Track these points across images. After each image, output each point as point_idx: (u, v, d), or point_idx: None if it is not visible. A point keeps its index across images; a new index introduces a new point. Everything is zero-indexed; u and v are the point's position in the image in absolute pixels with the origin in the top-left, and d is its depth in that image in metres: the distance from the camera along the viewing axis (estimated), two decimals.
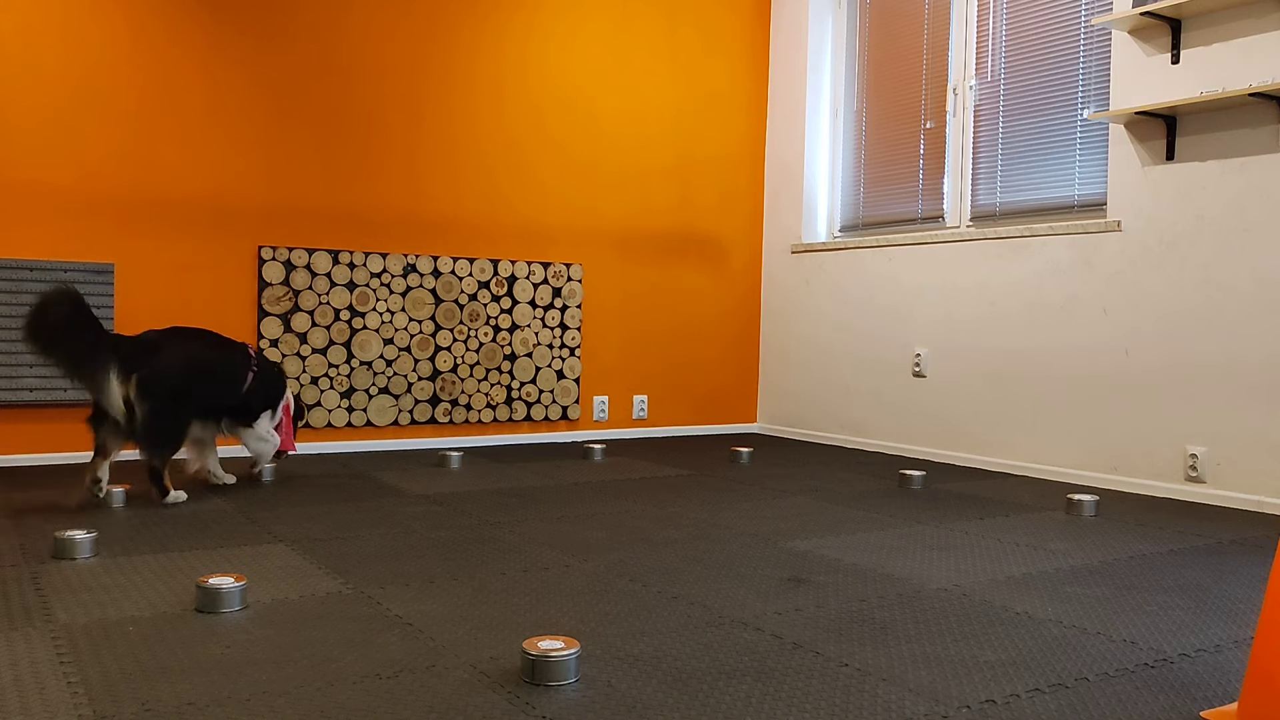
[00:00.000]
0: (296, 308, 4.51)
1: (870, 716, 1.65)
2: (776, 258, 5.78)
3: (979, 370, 4.62)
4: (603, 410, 5.34)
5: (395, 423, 4.76)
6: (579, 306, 5.22)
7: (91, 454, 3.32)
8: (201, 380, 3.43)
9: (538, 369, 5.12)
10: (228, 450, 4.28)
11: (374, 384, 4.70)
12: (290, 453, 4.02)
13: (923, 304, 4.89)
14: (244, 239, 4.41)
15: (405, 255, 4.75)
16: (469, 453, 4.68)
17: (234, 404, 3.57)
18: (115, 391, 3.18)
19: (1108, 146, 4.13)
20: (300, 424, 4.02)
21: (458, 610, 2.18)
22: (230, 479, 3.72)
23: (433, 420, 4.85)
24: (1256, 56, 3.62)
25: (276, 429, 3.74)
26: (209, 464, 3.68)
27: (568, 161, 5.19)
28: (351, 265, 4.63)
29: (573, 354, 5.21)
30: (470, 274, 4.92)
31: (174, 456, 3.39)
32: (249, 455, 3.82)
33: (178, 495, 3.36)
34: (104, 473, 3.30)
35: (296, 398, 3.95)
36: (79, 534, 2.58)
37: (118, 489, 3.28)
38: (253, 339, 4.43)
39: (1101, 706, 1.71)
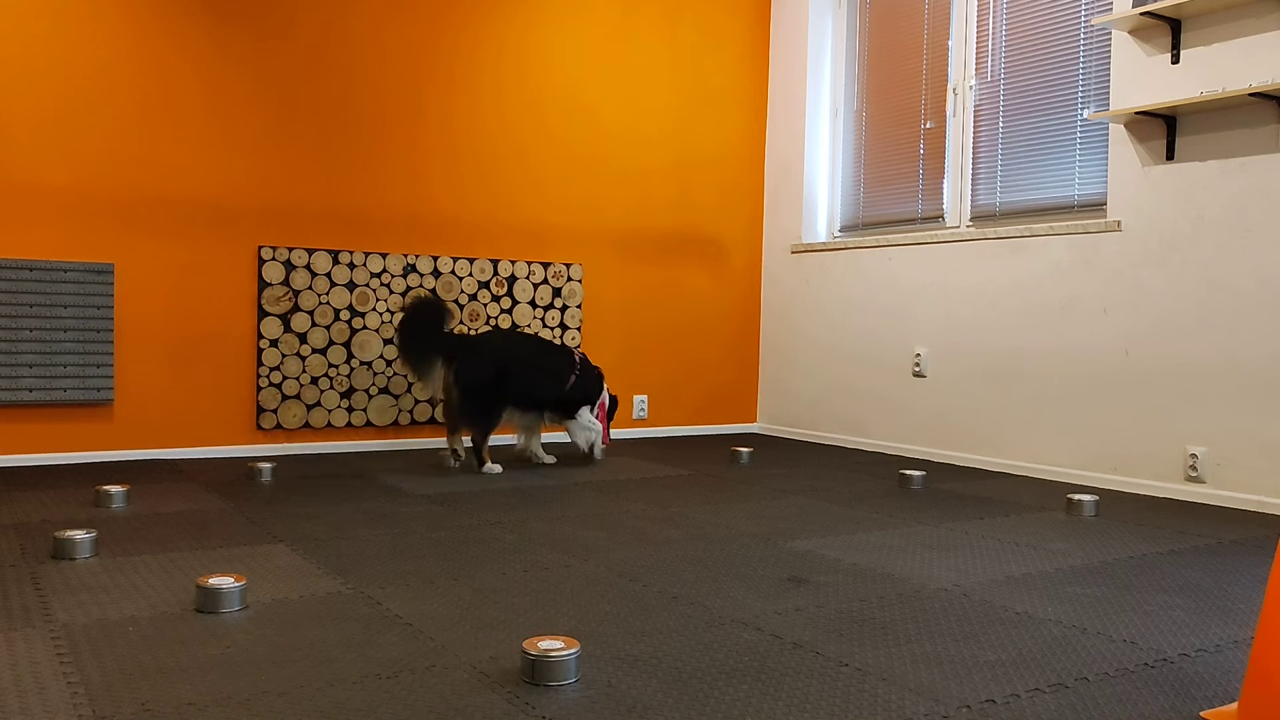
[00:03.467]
0: (296, 308, 4.51)
1: (870, 716, 1.65)
2: (776, 257, 5.78)
3: (979, 370, 4.62)
4: None
5: (395, 423, 4.76)
6: (579, 306, 5.22)
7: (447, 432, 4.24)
8: (516, 374, 4.08)
9: None
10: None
11: (374, 384, 4.70)
12: (605, 444, 4.51)
13: (923, 304, 4.89)
14: (244, 239, 4.41)
15: (405, 255, 4.75)
16: (469, 453, 4.68)
17: (557, 399, 4.20)
18: (437, 378, 4.04)
19: (1108, 146, 4.13)
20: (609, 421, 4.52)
21: (458, 610, 2.18)
22: (550, 459, 4.39)
23: (433, 420, 4.85)
24: (1256, 56, 3.62)
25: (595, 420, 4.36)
26: (532, 446, 4.39)
27: (568, 161, 5.19)
28: (351, 265, 4.63)
29: None
30: (470, 274, 4.92)
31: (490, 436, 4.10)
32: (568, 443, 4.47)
33: (493, 467, 4.08)
34: (458, 444, 4.15)
35: (612, 397, 4.48)
36: (79, 534, 2.58)
37: (118, 489, 3.28)
38: (252, 339, 4.43)
39: (1101, 706, 1.71)
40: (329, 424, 4.59)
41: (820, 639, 2.04)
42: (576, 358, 4.25)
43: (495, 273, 4.99)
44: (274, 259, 4.45)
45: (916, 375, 4.92)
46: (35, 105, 4.01)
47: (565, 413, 4.28)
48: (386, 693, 1.70)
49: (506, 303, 5.02)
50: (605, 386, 4.41)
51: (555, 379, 4.19)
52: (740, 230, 5.79)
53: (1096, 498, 3.49)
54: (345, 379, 4.63)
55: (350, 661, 1.85)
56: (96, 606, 2.16)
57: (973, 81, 4.80)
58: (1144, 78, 3.97)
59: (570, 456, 4.58)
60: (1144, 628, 2.17)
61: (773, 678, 1.81)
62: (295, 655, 1.88)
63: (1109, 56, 4.17)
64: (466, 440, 4.52)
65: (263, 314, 4.44)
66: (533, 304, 5.08)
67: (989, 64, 4.72)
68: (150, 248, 4.24)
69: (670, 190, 5.52)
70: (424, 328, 4.05)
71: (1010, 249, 4.49)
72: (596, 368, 4.37)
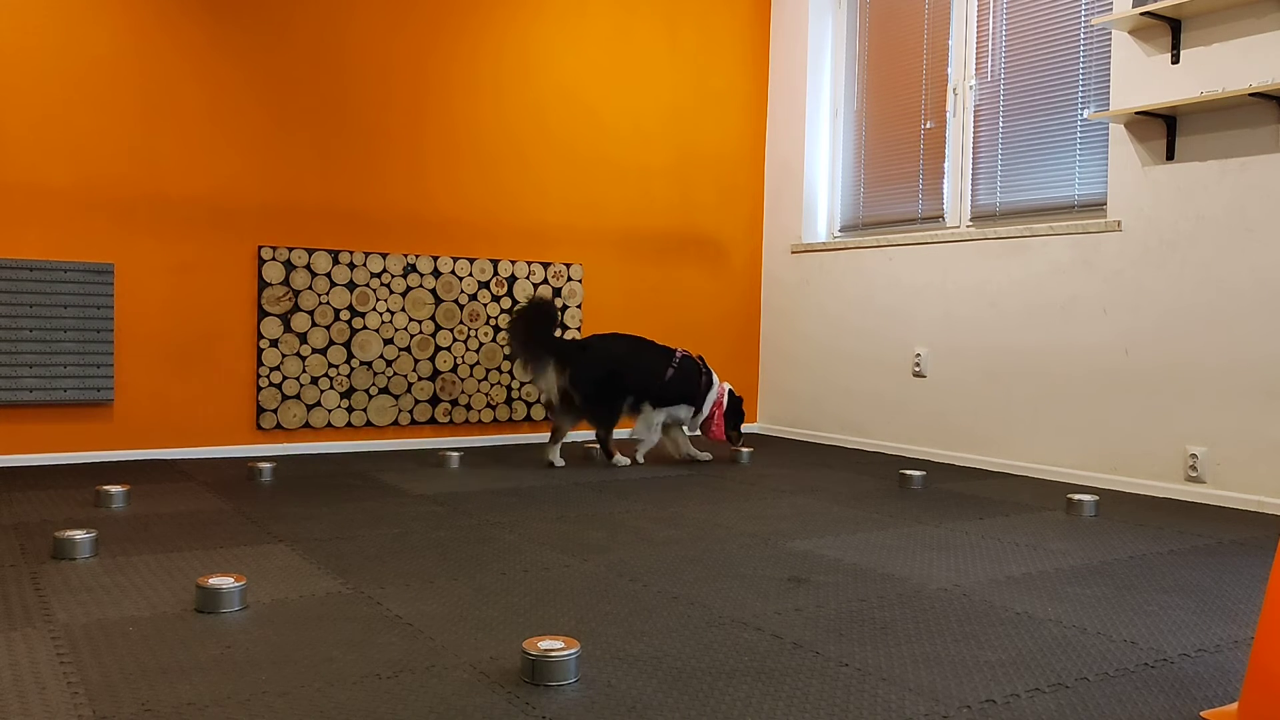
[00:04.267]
0: (296, 308, 4.51)
1: (870, 716, 1.65)
2: (776, 257, 5.78)
3: (979, 370, 4.62)
4: None
5: (395, 423, 4.76)
6: (579, 306, 5.22)
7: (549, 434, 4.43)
8: (625, 372, 4.31)
9: None
10: (622, 433, 4.28)
11: (374, 384, 4.70)
12: (719, 441, 4.64)
13: (923, 304, 4.89)
14: (244, 239, 4.42)
15: (405, 255, 4.75)
16: (469, 453, 4.68)
17: (655, 393, 4.38)
18: (553, 381, 4.25)
19: (1108, 146, 4.13)
20: (735, 421, 4.58)
21: (458, 610, 2.18)
22: (706, 456, 4.58)
23: (433, 420, 4.85)
24: (1256, 56, 3.62)
25: (707, 421, 4.49)
26: (682, 445, 4.58)
27: (568, 161, 5.19)
28: (351, 265, 4.63)
29: None
30: (470, 274, 4.92)
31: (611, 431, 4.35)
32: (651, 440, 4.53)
33: (621, 459, 4.40)
34: (554, 455, 4.33)
35: (737, 399, 4.56)
36: (79, 534, 2.58)
37: (118, 489, 3.28)
38: (252, 339, 4.43)
39: (1101, 706, 1.71)
40: (329, 424, 4.59)
41: (820, 639, 2.04)
42: (676, 357, 4.42)
43: (495, 273, 4.99)
44: (274, 259, 4.45)
45: (917, 375, 4.92)
46: (35, 104, 4.01)
47: (655, 404, 4.42)
48: (386, 693, 1.70)
49: (507, 303, 5.02)
50: (720, 384, 4.51)
51: (651, 375, 4.37)
52: (740, 230, 5.79)
53: (1096, 498, 3.49)
54: (345, 379, 4.63)
55: (350, 661, 1.85)
56: (96, 606, 2.16)
57: (973, 81, 4.80)
58: (1144, 78, 3.97)
59: (714, 458, 4.65)
60: (1144, 628, 2.17)
61: (773, 678, 1.81)
62: (295, 655, 1.88)
63: (1109, 56, 4.17)
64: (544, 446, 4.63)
65: (263, 314, 4.44)
66: None
67: (989, 64, 4.72)
68: (150, 247, 4.24)
69: (670, 190, 5.52)
70: (538, 329, 4.28)
71: (1010, 249, 4.49)
72: (697, 368, 4.46)
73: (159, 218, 4.25)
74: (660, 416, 4.44)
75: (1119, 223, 4.06)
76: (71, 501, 3.32)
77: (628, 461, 4.41)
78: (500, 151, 5.01)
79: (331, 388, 4.60)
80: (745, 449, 4.69)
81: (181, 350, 4.30)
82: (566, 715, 1.62)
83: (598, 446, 4.51)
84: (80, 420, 4.12)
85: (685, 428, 4.58)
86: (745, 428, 5.85)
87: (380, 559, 2.63)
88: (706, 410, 4.47)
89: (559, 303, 4.70)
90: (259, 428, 4.44)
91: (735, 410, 4.57)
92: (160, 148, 4.25)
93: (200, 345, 4.34)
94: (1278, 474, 3.57)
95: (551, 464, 4.33)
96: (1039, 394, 4.35)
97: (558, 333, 4.67)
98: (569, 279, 5.19)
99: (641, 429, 4.47)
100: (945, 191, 4.95)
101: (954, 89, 4.89)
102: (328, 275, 4.57)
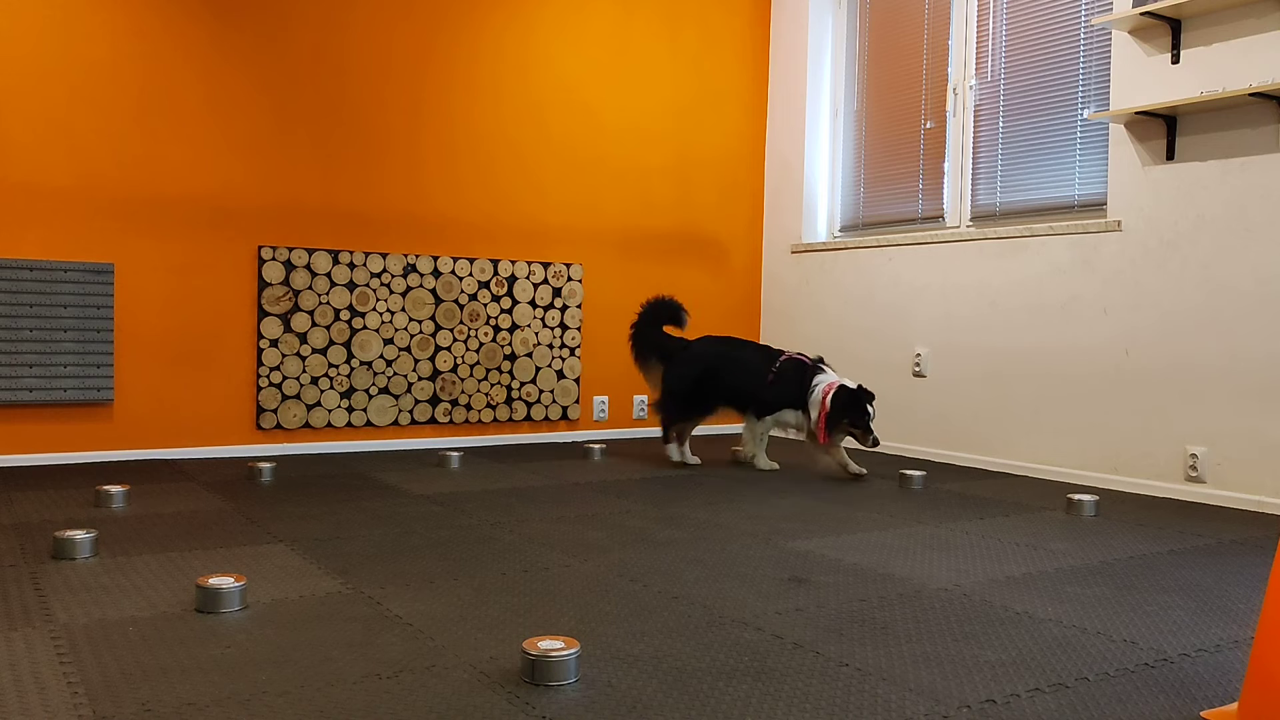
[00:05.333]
0: (296, 308, 4.51)
1: (870, 716, 1.65)
2: (777, 257, 5.78)
3: (979, 370, 4.62)
4: (603, 410, 5.34)
5: (395, 423, 4.76)
6: (579, 306, 5.22)
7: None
8: (719, 375, 4.30)
9: (538, 369, 5.12)
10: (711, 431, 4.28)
11: (374, 384, 4.70)
12: (823, 444, 4.23)
13: (923, 304, 4.89)
14: (244, 239, 4.41)
15: (405, 255, 4.75)
16: (469, 453, 4.68)
17: (754, 397, 4.28)
18: (657, 380, 4.41)
19: (1108, 146, 4.13)
20: (854, 419, 4.10)
21: (458, 610, 2.18)
22: (857, 469, 4.22)
23: (433, 420, 4.85)
24: (1256, 56, 3.62)
25: (815, 424, 4.18)
26: (835, 457, 4.25)
27: (568, 160, 5.19)
28: (351, 265, 4.63)
29: (573, 354, 5.21)
30: (470, 274, 4.92)
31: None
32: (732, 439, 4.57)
33: (671, 449, 4.44)
34: (674, 451, 4.45)
35: (849, 396, 4.07)
36: (79, 534, 2.58)
37: (118, 489, 3.28)
38: (252, 339, 4.43)
39: (1101, 706, 1.71)
40: (329, 424, 4.59)
41: (820, 639, 2.04)
42: (780, 359, 4.28)
43: (495, 273, 4.99)
44: (274, 259, 4.45)
45: (917, 375, 4.92)
46: (35, 105, 4.01)
47: (756, 412, 4.32)
48: (386, 693, 1.70)
49: (507, 303, 5.02)
50: (827, 383, 4.13)
51: (752, 377, 4.28)
52: (740, 230, 5.79)
53: (1096, 498, 3.49)
54: (345, 379, 4.63)
55: (350, 661, 1.85)
56: (96, 606, 2.16)
57: (973, 81, 4.80)
58: (1144, 78, 3.97)
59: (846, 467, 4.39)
60: (1144, 628, 2.17)
61: (773, 678, 1.81)
62: (295, 655, 1.88)
63: (1109, 56, 4.17)
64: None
65: (263, 314, 4.44)
66: (533, 304, 5.08)
67: (989, 64, 4.72)
68: (150, 248, 4.24)
69: (670, 190, 5.52)
70: (650, 329, 4.44)
71: (1010, 249, 4.49)
72: (800, 370, 4.22)
73: (159, 218, 4.25)
74: (765, 426, 4.33)
75: (1119, 223, 4.06)
76: (71, 501, 3.32)
77: (675, 457, 4.44)
78: (500, 151, 5.00)
79: (331, 388, 4.60)
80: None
81: (181, 350, 4.30)
82: (566, 715, 1.62)
83: (754, 455, 4.39)
84: (80, 420, 4.11)
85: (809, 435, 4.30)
86: None
87: (380, 559, 2.63)
88: (814, 413, 4.16)
89: (675, 302, 4.55)
90: (259, 428, 4.44)
91: (846, 407, 4.08)
92: (160, 148, 4.25)
93: (200, 345, 4.34)
94: (1278, 474, 3.57)
95: (683, 463, 4.43)
96: (1039, 394, 4.35)
97: (678, 333, 4.60)
98: (569, 279, 5.19)
99: (747, 439, 4.39)
100: (945, 191, 4.95)
101: (954, 89, 4.89)
102: (328, 275, 4.57)
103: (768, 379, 4.26)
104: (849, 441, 4.43)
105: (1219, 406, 3.73)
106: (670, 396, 4.40)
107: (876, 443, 4.12)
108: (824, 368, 4.25)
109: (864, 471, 4.24)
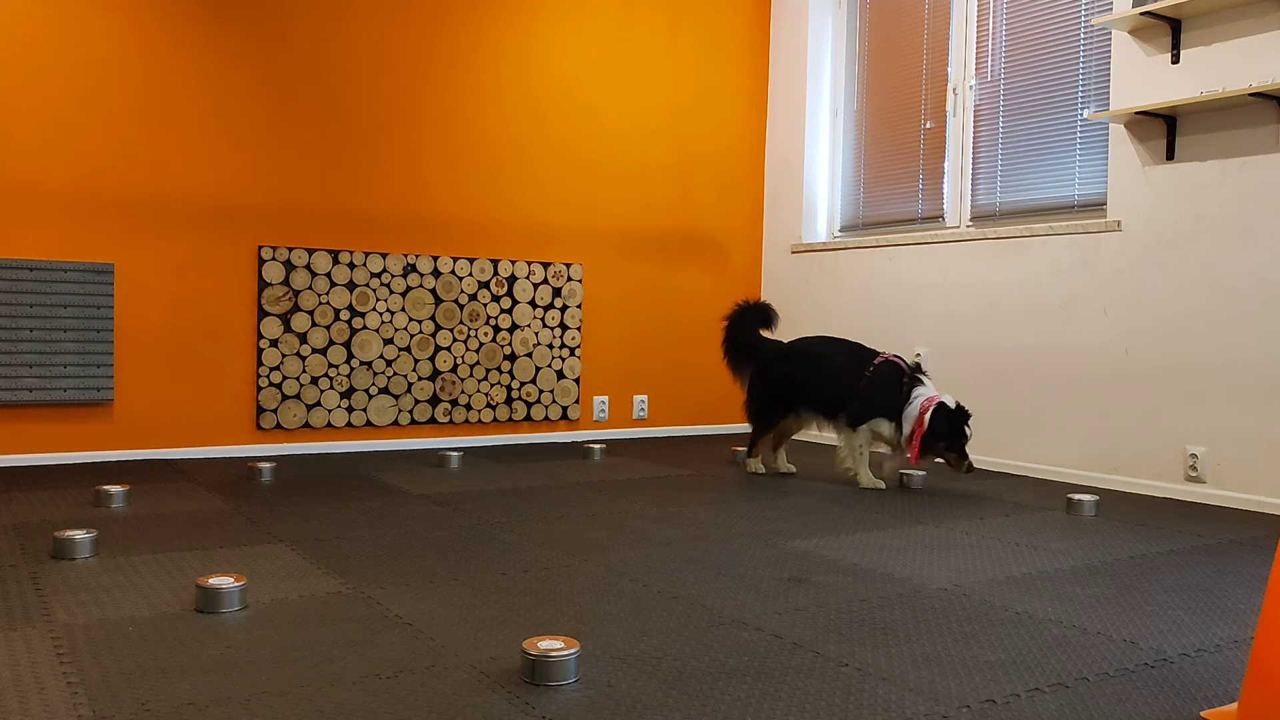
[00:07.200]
0: (296, 308, 4.51)
1: (870, 716, 1.65)
2: (777, 257, 5.78)
3: (979, 370, 4.62)
4: (603, 410, 5.34)
5: (395, 423, 4.76)
6: (579, 306, 5.22)
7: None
8: (803, 379, 4.05)
9: (538, 369, 5.12)
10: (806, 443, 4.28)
11: (374, 384, 4.70)
12: (913, 464, 3.89)
13: (923, 304, 4.89)
14: (244, 239, 4.41)
15: (405, 255, 4.75)
16: (469, 453, 4.68)
17: (844, 404, 3.96)
18: (746, 382, 4.24)
19: (1108, 146, 4.13)
20: (950, 440, 3.77)
21: (458, 610, 2.18)
22: (878, 479, 3.97)
23: (433, 420, 4.85)
24: (1256, 56, 3.62)
25: (909, 440, 3.80)
26: (886, 465, 4.01)
27: (568, 160, 5.19)
28: (351, 265, 4.63)
29: (573, 354, 5.21)
30: (470, 274, 4.92)
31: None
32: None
33: (751, 464, 4.26)
34: (769, 459, 4.27)
35: (949, 415, 3.74)
36: (79, 534, 2.58)
37: (118, 489, 3.28)
38: (252, 339, 4.43)
39: (1101, 706, 1.71)
40: (329, 424, 4.59)
41: (820, 639, 2.04)
42: (874, 363, 3.91)
43: (495, 273, 4.99)
44: (274, 259, 4.45)
45: None
46: (35, 105, 4.01)
47: (848, 422, 3.95)
48: (386, 693, 1.70)
49: (506, 303, 5.02)
50: (926, 398, 3.78)
51: (840, 382, 3.96)
52: (740, 230, 5.79)
53: (1096, 498, 3.49)
54: (345, 379, 4.63)
55: (350, 661, 1.85)
56: (96, 606, 2.16)
57: (973, 81, 4.80)
58: (1144, 78, 3.97)
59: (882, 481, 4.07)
60: (1144, 628, 2.17)
61: (773, 678, 1.81)
62: (295, 655, 1.88)
63: (1109, 56, 4.17)
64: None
65: (263, 314, 4.44)
66: (533, 304, 5.08)
67: (989, 64, 4.72)
68: (150, 247, 4.24)
69: (670, 190, 5.52)
70: (742, 331, 4.27)
71: (1010, 249, 4.49)
72: (897, 379, 3.86)
73: (159, 218, 4.25)
74: (860, 437, 3.92)
75: (1119, 223, 4.06)
76: (71, 501, 3.32)
77: (754, 468, 4.24)
78: (500, 151, 5.00)
79: (331, 388, 4.60)
80: (745, 449, 4.58)
81: (181, 350, 4.30)
82: (566, 715, 1.62)
83: (854, 471, 3.98)
84: (80, 420, 4.11)
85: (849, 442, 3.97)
86: (745, 428, 5.82)
87: (380, 559, 2.63)
88: (907, 427, 3.79)
89: (762, 303, 4.36)
90: (259, 428, 4.44)
91: (945, 429, 3.74)
92: (160, 148, 4.25)
93: (200, 345, 4.34)
94: (1278, 474, 3.57)
95: (778, 472, 4.23)
96: (1039, 394, 4.35)
97: (770, 334, 4.36)
98: (569, 279, 5.19)
99: (845, 453, 3.96)
100: (945, 191, 4.95)
101: (954, 89, 4.89)
102: (328, 275, 4.57)
103: (860, 384, 3.91)
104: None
105: (1219, 406, 3.73)
106: (750, 401, 4.21)
107: (971, 469, 3.81)
108: (922, 377, 3.87)
109: (885, 485, 3.95)
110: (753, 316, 4.31)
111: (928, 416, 3.74)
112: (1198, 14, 3.78)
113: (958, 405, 3.78)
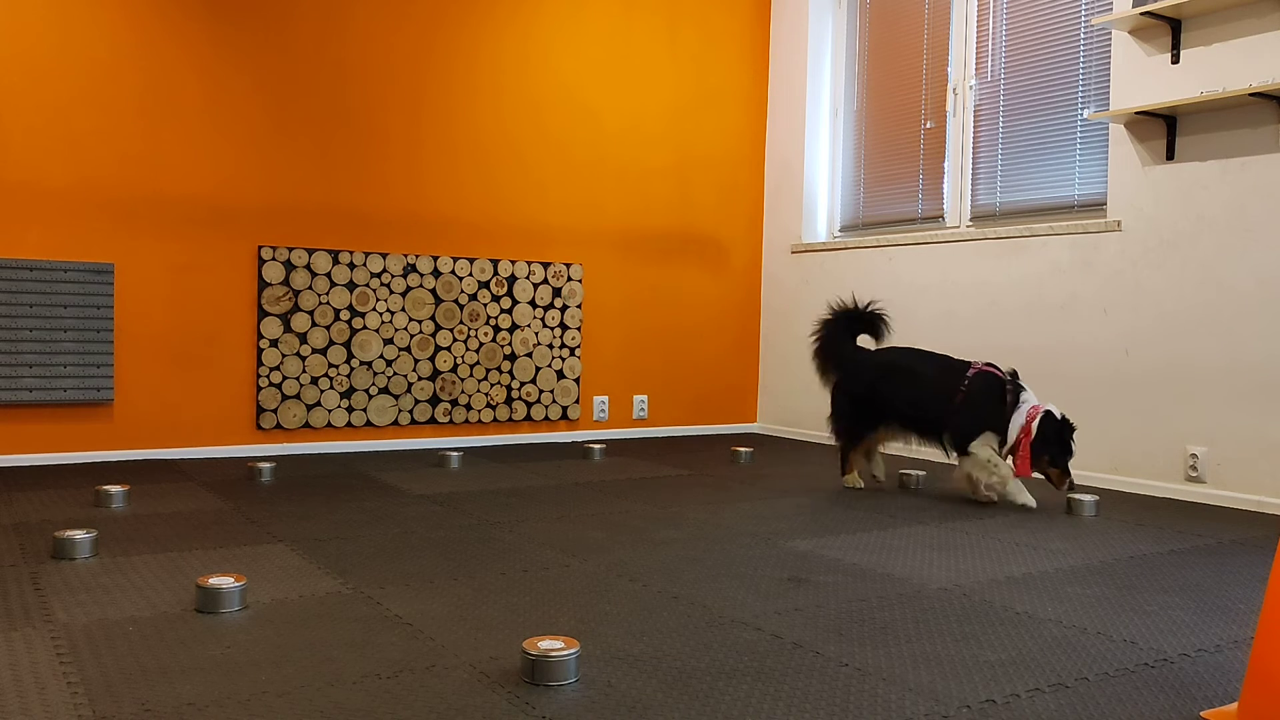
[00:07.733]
0: (296, 308, 4.51)
1: (870, 716, 1.65)
2: (776, 257, 5.78)
3: None
4: (603, 410, 5.34)
5: (395, 423, 4.76)
6: (579, 306, 5.22)
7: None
8: (890, 392, 3.80)
9: (538, 369, 5.12)
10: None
11: (374, 384, 4.70)
12: (1022, 477, 3.64)
13: (923, 304, 4.89)
14: (244, 239, 4.41)
15: (405, 255, 4.75)
16: (469, 453, 4.68)
17: (940, 419, 3.69)
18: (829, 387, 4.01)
19: (1108, 146, 4.13)
20: (1054, 453, 3.55)
21: (458, 610, 2.18)
22: (1026, 500, 3.58)
23: (433, 420, 4.85)
24: (1256, 56, 3.62)
25: (1013, 452, 3.58)
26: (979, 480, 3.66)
27: (568, 161, 5.19)
28: (351, 265, 4.63)
29: (573, 354, 5.21)
30: (470, 274, 4.92)
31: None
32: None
33: (851, 479, 3.96)
34: (860, 468, 3.99)
35: (1057, 426, 3.53)
36: (79, 534, 2.58)
37: (118, 489, 3.28)
38: (252, 339, 4.43)
39: (1101, 706, 1.71)
40: (329, 424, 4.59)
41: (820, 639, 2.04)
42: (969, 374, 3.67)
43: (495, 273, 4.99)
44: (274, 259, 4.45)
45: None
46: (35, 105, 4.01)
47: (954, 443, 3.69)
48: (386, 693, 1.70)
49: (506, 303, 5.02)
50: (1031, 406, 3.57)
51: (932, 395, 3.70)
52: (740, 230, 5.79)
53: (1096, 498, 3.49)
54: (345, 379, 4.63)
55: (350, 661, 1.85)
56: (96, 606, 2.16)
57: (973, 81, 4.80)
58: (1144, 78, 3.97)
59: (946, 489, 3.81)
60: (1144, 628, 2.17)
61: (773, 678, 1.81)
62: (295, 655, 1.88)
63: (1109, 56, 4.17)
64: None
65: (263, 314, 4.44)
66: (533, 304, 5.08)
67: (989, 64, 4.72)
68: (150, 248, 4.24)
69: (670, 190, 5.52)
70: (832, 338, 4.01)
71: (1010, 249, 4.49)
72: (1006, 387, 3.63)
73: (159, 218, 4.25)
74: (986, 454, 3.60)
75: (1119, 223, 4.06)
76: (71, 501, 3.32)
77: (855, 483, 3.93)
78: (500, 151, 5.00)
79: (331, 388, 4.60)
80: (745, 449, 4.65)
81: (181, 350, 4.30)
82: (566, 715, 1.62)
83: (1001, 491, 3.64)
84: (80, 420, 4.11)
85: (972, 468, 3.67)
86: (745, 427, 5.84)
87: (380, 559, 2.63)
88: (1012, 438, 3.56)
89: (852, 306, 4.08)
90: (259, 428, 4.44)
91: (1053, 439, 3.53)
92: (160, 148, 4.25)
93: (200, 345, 4.34)
94: (1278, 474, 3.57)
95: (861, 485, 3.94)
96: (1039, 394, 4.35)
97: (871, 344, 4.07)
98: (569, 279, 5.19)
99: (979, 475, 3.63)
100: (945, 191, 4.95)
101: (954, 89, 4.89)
102: (328, 275, 4.57)
103: (956, 398, 3.65)
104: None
105: (1219, 406, 3.73)
106: (833, 417, 3.97)
107: (1073, 486, 3.60)
108: (1023, 385, 3.65)
109: (1033, 503, 3.60)
110: (855, 323, 4.01)
111: (1035, 424, 3.53)
112: (1198, 14, 3.78)
113: (1063, 416, 3.57)
